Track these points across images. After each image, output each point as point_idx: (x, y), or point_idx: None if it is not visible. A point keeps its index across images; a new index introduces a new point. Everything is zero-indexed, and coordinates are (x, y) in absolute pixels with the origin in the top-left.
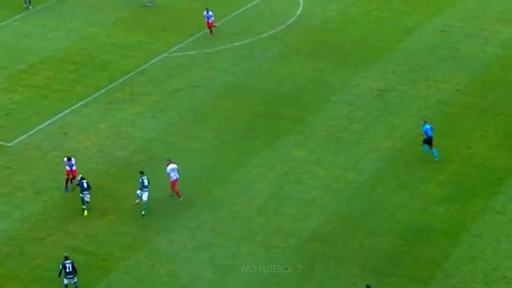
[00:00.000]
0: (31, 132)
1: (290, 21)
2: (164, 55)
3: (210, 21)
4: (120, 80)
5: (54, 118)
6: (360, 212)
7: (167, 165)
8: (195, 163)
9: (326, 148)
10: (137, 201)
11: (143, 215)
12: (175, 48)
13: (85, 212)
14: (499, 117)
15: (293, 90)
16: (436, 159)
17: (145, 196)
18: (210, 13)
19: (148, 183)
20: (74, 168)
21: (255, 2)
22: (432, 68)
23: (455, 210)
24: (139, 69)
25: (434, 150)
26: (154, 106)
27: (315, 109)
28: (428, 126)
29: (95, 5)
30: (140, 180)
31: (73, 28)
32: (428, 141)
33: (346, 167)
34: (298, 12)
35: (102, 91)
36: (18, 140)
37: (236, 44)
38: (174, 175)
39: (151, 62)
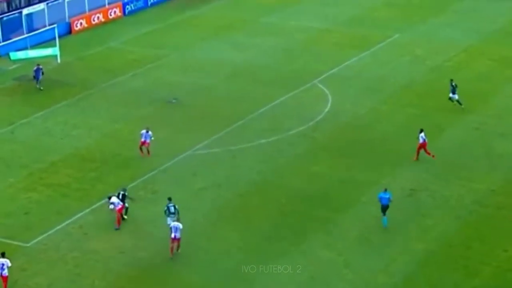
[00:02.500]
0: (50, 232)
1: (319, 118)
2: (188, 152)
3: (147, 141)
4: (143, 178)
5: (74, 218)
6: None
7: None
8: (218, 265)
9: (355, 249)
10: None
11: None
12: (200, 145)
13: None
14: None
15: (321, 189)
16: (384, 227)
17: (171, 223)
18: (150, 133)
19: (175, 209)
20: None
21: (282, 98)
22: (465, 167)
23: None
24: (162, 167)
25: (385, 218)
26: (177, 206)
27: (344, 209)
28: (386, 196)
29: (118, 101)
30: (166, 207)
31: (95, 124)
32: (384, 208)
33: (376, 270)
34: (327, 109)
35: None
36: (36, 240)
37: (263, 141)
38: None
39: (175, 160)
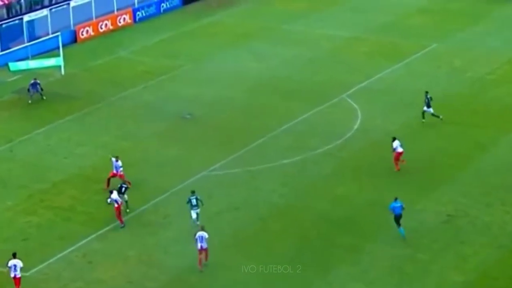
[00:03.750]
0: (51, 260)
1: (347, 135)
2: (204, 173)
3: (118, 172)
4: (154, 201)
5: (78, 244)
6: None
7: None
8: None
9: (386, 281)
10: (198, 223)
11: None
12: (216, 165)
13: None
14: None
15: (349, 213)
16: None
17: (194, 215)
18: (119, 163)
19: (197, 201)
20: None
21: (307, 114)
22: (509, 190)
23: None
24: (175, 189)
25: (402, 229)
26: (190, 231)
27: (374, 235)
28: (398, 204)
29: (128, 116)
30: (188, 199)
31: (102, 142)
32: (397, 219)
33: None
34: (356, 125)
35: (132, 214)
36: (35, 269)
37: (285, 161)
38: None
39: (189, 181)
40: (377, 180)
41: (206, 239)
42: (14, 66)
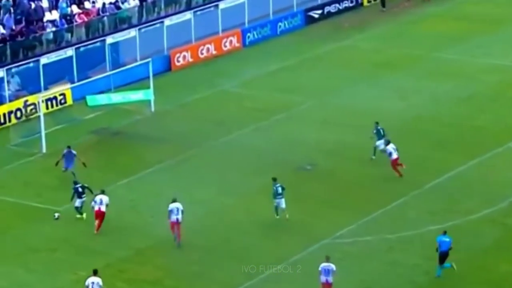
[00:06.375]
0: None
1: None
2: (326, 241)
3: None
4: (263, 275)
5: None
6: None
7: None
8: None
9: None
10: (278, 217)
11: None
12: (343, 231)
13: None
14: None
15: None
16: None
17: (282, 204)
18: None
19: (282, 189)
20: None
21: (462, 167)
22: None
23: None
24: (291, 259)
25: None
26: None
27: None
28: (447, 239)
29: (231, 166)
30: (274, 188)
31: (198, 198)
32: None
33: None
34: None
35: None
36: None
37: (432, 227)
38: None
39: (308, 250)
40: None
41: (333, 272)
42: (92, 100)
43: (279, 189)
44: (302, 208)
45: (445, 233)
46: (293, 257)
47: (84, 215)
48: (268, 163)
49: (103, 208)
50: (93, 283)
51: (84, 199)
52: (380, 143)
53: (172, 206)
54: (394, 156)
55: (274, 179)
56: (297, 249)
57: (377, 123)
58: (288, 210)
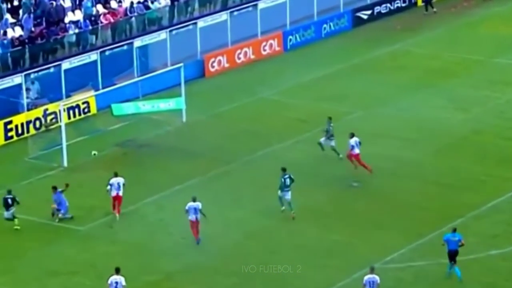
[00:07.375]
0: None
1: None
2: (377, 265)
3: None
4: None
5: None
6: None
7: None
8: None
9: None
10: (283, 208)
11: (293, 217)
12: (394, 255)
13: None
14: None
15: None
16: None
17: (287, 195)
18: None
19: (291, 181)
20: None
21: None
22: None
23: None
24: (338, 284)
25: (457, 268)
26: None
27: None
28: (456, 238)
29: (271, 182)
30: (282, 179)
31: (235, 218)
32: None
33: None
34: None
35: None
36: None
37: (493, 252)
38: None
39: (352, 276)
40: None
41: (378, 284)
42: (118, 109)
43: (288, 181)
44: (347, 229)
45: (454, 230)
46: (338, 283)
47: (16, 221)
48: (311, 180)
49: (120, 193)
50: (116, 282)
51: (12, 211)
52: (329, 141)
53: (190, 205)
54: (356, 151)
55: (284, 169)
56: (342, 275)
57: (329, 117)
58: (334, 232)
